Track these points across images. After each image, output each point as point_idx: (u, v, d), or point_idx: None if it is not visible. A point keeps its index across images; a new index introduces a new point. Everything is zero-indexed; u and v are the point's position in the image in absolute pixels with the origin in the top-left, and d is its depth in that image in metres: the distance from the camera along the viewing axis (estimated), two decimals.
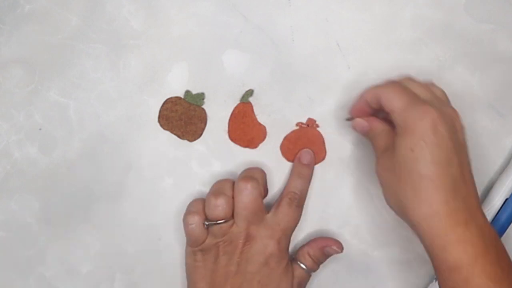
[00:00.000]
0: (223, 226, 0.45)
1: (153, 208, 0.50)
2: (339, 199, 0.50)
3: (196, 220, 0.45)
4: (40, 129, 0.50)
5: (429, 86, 0.45)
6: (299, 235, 0.50)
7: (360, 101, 0.46)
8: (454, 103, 0.50)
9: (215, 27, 0.51)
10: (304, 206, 0.49)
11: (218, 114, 0.50)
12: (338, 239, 0.48)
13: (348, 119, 0.48)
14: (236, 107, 0.50)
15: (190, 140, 0.50)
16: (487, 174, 0.50)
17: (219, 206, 0.44)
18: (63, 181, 0.50)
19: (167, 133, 0.50)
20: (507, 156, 0.50)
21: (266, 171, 0.49)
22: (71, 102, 0.50)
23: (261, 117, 0.50)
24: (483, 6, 0.50)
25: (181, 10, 0.51)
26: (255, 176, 0.46)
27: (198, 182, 0.50)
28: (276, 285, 0.44)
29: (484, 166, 0.50)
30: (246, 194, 0.44)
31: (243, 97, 0.50)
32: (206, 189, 0.50)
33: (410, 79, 0.46)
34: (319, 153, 0.50)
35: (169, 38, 0.51)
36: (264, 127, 0.50)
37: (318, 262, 0.47)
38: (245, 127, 0.50)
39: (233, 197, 0.45)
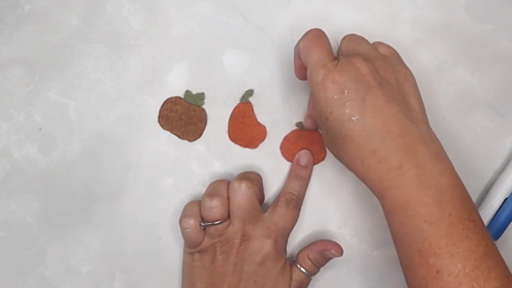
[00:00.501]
0: (219, 227, 0.45)
1: (153, 208, 0.50)
2: (338, 199, 0.50)
3: (191, 224, 0.45)
4: (40, 129, 0.50)
5: (374, 44, 0.44)
6: (298, 236, 0.50)
7: (296, 58, 0.45)
8: (454, 103, 0.50)
9: (215, 27, 0.51)
10: (303, 206, 0.49)
11: (218, 114, 0.50)
12: (338, 240, 0.48)
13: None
14: (236, 107, 0.50)
15: (190, 140, 0.50)
16: (487, 174, 0.50)
17: (214, 208, 0.44)
18: (63, 181, 0.50)
19: (167, 133, 0.50)
20: (506, 156, 0.50)
21: (266, 171, 0.49)
22: (71, 102, 0.50)
23: (261, 117, 0.50)
24: (483, 6, 0.50)
25: (181, 10, 0.51)
26: (250, 177, 0.46)
27: (198, 182, 0.50)
28: (272, 285, 0.44)
29: (483, 166, 0.50)
30: (241, 193, 0.44)
31: (243, 97, 0.50)
32: (205, 189, 0.50)
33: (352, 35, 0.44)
34: (319, 153, 0.50)
35: (169, 38, 0.51)
36: (264, 127, 0.50)
37: (318, 265, 0.47)
38: (245, 127, 0.50)
39: (228, 198, 0.45)
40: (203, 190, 0.50)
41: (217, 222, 0.45)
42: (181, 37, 0.51)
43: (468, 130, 0.50)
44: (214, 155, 0.50)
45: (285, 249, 0.47)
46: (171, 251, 0.50)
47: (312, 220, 0.50)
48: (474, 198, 0.50)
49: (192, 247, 0.46)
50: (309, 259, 0.46)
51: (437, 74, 0.50)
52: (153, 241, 0.50)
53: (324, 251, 0.46)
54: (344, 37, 0.44)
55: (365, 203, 0.50)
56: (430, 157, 0.37)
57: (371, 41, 0.50)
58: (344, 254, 0.48)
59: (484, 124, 0.50)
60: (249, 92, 0.50)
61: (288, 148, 0.50)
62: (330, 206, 0.50)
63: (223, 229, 0.45)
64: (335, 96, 0.37)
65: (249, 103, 0.50)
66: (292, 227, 0.47)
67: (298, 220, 0.49)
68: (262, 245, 0.45)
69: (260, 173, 0.49)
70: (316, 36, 0.41)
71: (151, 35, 0.51)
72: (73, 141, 0.50)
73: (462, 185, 0.38)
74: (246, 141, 0.50)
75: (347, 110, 0.37)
